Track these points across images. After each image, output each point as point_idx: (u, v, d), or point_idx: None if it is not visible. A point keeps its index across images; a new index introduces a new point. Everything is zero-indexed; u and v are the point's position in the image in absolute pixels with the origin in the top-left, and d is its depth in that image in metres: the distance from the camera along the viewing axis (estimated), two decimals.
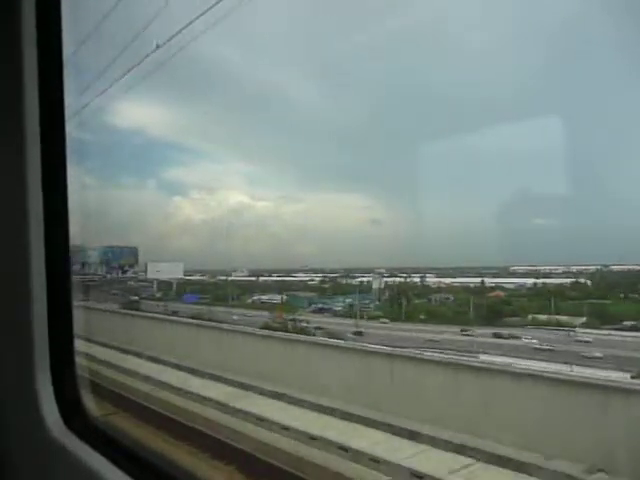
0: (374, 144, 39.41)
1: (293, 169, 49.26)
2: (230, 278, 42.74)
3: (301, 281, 43.81)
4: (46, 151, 1.71)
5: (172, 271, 37.63)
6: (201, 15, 10.60)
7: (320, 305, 40.97)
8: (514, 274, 34.98)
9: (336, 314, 41.23)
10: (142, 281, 37.34)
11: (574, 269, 32.31)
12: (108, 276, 35.01)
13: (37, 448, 1.71)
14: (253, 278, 43.83)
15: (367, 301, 39.16)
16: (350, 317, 36.26)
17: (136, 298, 37.39)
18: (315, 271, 43.70)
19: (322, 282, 43.64)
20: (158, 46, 11.74)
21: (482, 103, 29.21)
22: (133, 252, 34.97)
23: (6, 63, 1.70)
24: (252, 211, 46.96)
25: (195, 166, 48.31)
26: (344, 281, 42.69)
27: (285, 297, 41.02)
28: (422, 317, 38.41)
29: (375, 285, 38.96)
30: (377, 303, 39.52)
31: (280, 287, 42.84)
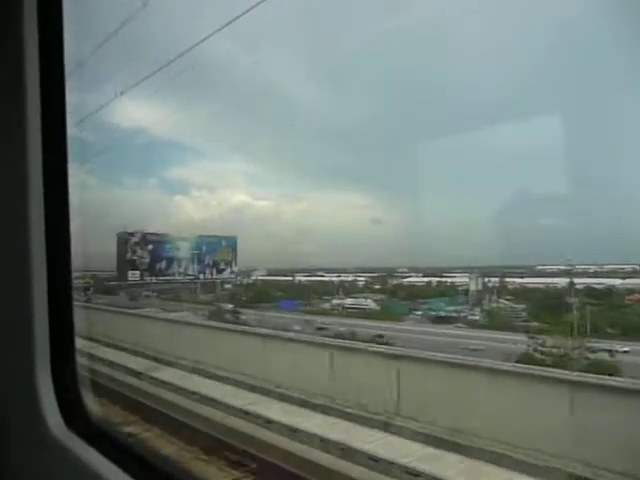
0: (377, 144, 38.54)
1: (294, 168, 47.86)
2: (259, 278, 38.58)
3: (341, 281, 39.57)
4: (47, 150, 1.71)
5: None
6: None
7: (441, 313, 34.11)
8: (556, 274, 31.72)
9: (475, 325, 32.07)
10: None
11: (606, 268, 30.66)
12: (201, 277, 27.24)
13: (38, 448, 1.70)
14: (285, 278, 39.72)
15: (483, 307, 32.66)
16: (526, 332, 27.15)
17: (230, 307, 29.86)
18: (327, 270, 40.94)
19: (369, 283, 39.83)
20: None
21: (491, 103, 28.87)
22: (231, 244, 26.90)
23: (7, 63, 1.71)
24: (253, 210, 44.55)
25: (199, 165, 48.04)
26: (396, 281, 38.44)
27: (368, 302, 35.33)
28: (610, 331, 29.35)
29: (472, 287, 33.81)
30: (525, 310, 31.03)
31: (337, 289, 37.90)
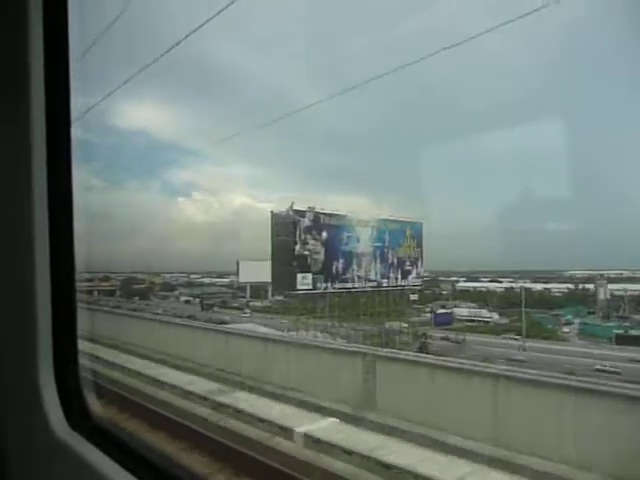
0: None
1: (299, 173, 47.67)
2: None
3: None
4: (52, 152, 1.72)
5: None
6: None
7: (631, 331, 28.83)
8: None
9: None
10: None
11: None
12: (384, 282, 18.57)
13: (40, 447, 1.72)
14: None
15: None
16: None
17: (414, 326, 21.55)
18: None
19: (426, 288, 36.17)
20: None
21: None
22: (416, 233, 18.28)
23: (12, 65, 1.73)
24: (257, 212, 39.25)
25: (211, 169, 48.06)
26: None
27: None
28: None
29: (601, 295, 30.88)
30: None
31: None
